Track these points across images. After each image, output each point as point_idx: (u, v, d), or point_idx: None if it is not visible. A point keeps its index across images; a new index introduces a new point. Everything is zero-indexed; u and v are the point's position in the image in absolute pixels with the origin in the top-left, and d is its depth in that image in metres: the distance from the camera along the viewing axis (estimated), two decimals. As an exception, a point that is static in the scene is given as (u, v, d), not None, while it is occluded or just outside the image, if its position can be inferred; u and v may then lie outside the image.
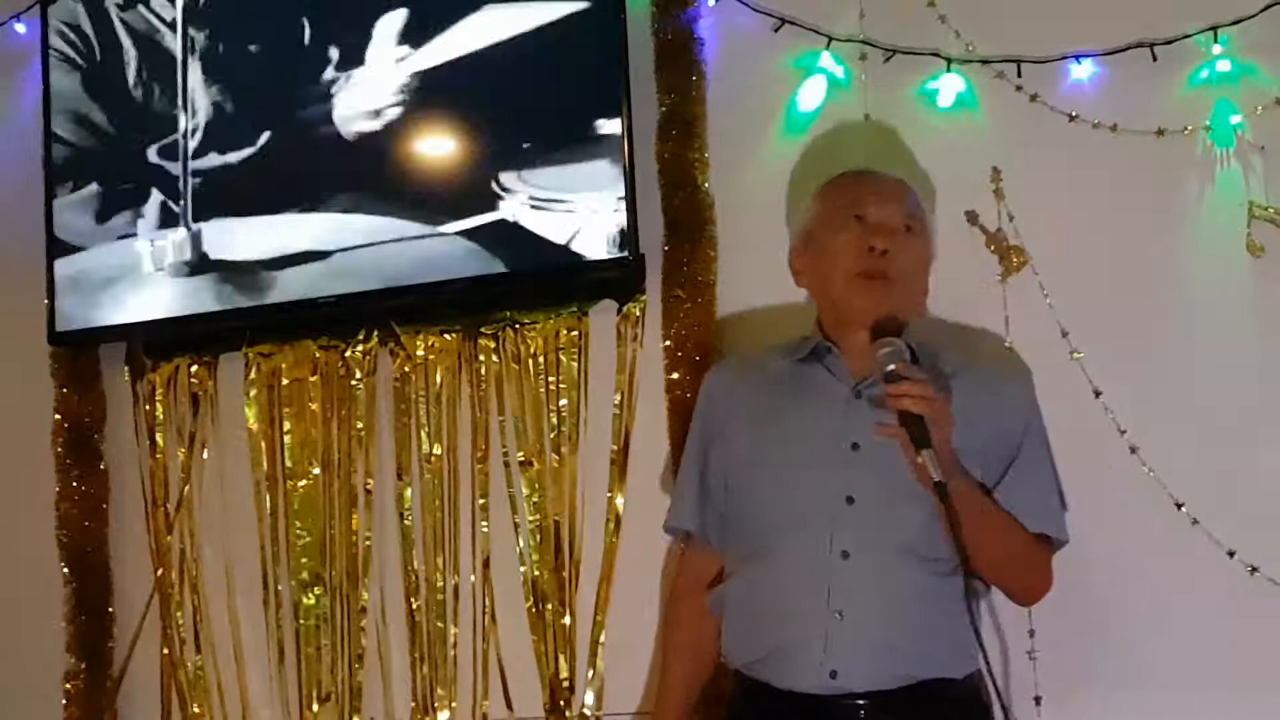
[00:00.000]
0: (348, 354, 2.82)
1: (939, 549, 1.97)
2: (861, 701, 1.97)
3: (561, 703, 2.61)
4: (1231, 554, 2.28)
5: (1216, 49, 2.34)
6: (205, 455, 2.92)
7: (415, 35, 2.70)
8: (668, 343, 2.57)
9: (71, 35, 2.96)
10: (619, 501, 2.61)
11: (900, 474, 1.93)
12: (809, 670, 1.98)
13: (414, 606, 2.72)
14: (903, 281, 2.11)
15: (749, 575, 2.09)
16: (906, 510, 1.97)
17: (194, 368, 2.92)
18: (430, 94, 2.68)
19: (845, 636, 1.97)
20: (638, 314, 2.63)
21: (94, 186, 2.92)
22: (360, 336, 2.80)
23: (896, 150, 2.50)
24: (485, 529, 2.71)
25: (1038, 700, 2.34)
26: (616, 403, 2.63)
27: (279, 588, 2.82)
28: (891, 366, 1.90)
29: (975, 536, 1.91)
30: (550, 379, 2.68)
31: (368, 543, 2.78)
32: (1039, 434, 2.13)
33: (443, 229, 2.64)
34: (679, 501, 2.27)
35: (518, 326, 2.70)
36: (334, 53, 2.76)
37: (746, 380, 2.21)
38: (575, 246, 2.56)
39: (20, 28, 3.10)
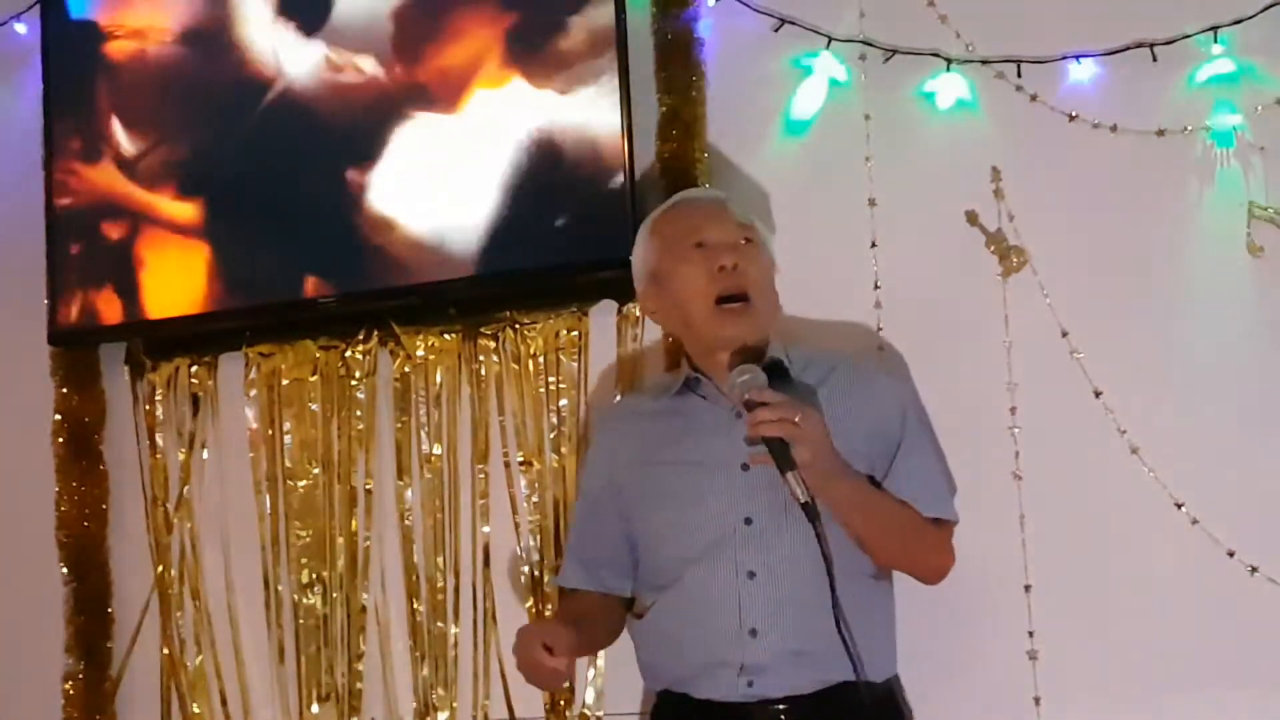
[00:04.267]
0: (348, 354, 2.82)
1: (843, 555, 1.97)
2: (780, 706, 2.00)
3: (561, 703, 2.61)
4: (1231, 554, 2.28)
5: (1216, 49, 2.34)
6: (205, 455, 2.92)
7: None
8: (668, 342, 2.57)
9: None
10: (619, 501, 2.61)
11: None
12: (728, 686, 2.02)
13: (414, 606, 2.72)
14: (761, 296, 2.12)
15: (663, 606, 2.11)
16: (804, 525, 1.95)
17: (194, 368, 2.92)
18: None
19: (759, 654, 2.00)
20: (638, 314, 2.63)
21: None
22: (360, 336, 2.80)
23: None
24: (485, 529, 2.70)
25: (1037, 700, 2.35)
26: (616, 403, 2.63)
27: (279, 588, 2.82)
28: (748, 395, 1.92)
29: (872, 532, 2.01)
30: (550, 379, 2.67)
31: (367, 543, 2.78)
32: (917, 420, 2.16)
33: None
34: (570, 560, 2.28)
35: (518, 326, 2.70)
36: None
37: (626, 429, 2.24)
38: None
39: (20, 28, 3.10)
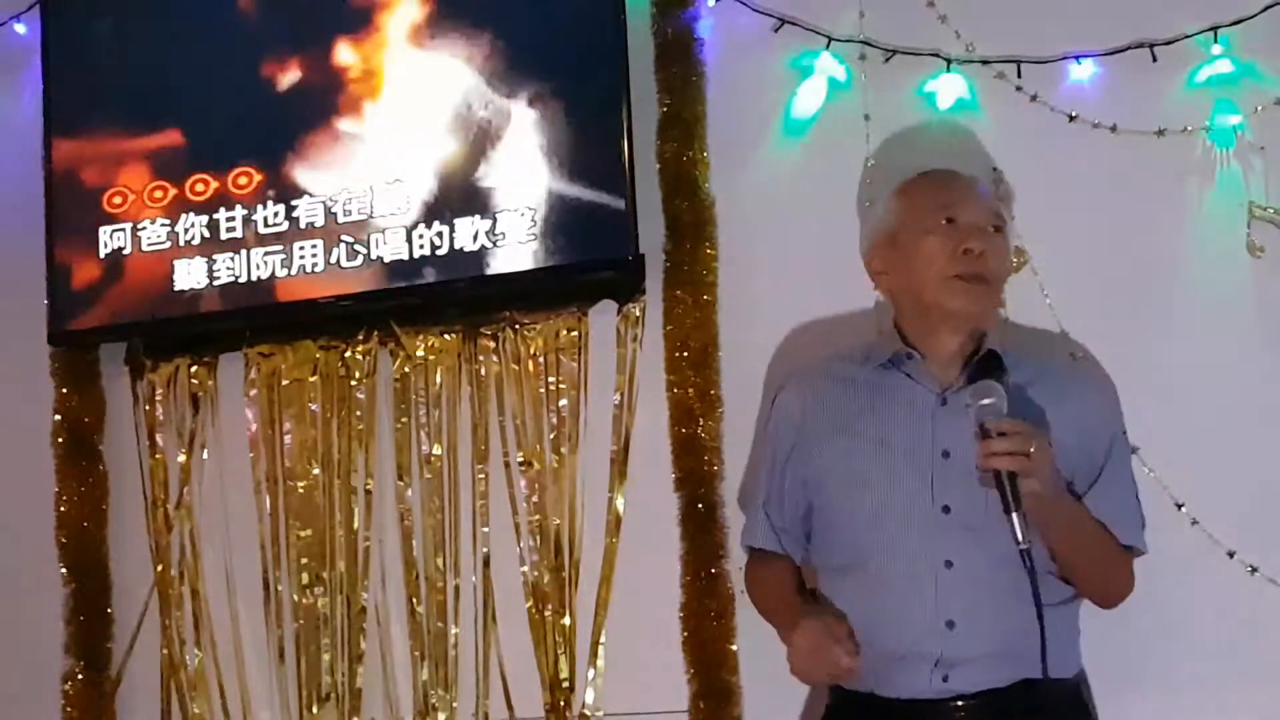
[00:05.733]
0: (348, 354, 2.82)
1: (1040, 550, 1.94)
2: (968, 703, 1.95)
3: (561, 703, 2.61)
4: (1231, 554, 2.29)
5: (1216, 49, 2.34)
6: (205, 455, 2.92)
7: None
8: (668, 343, 2.57)
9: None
10: (619, 501, 2.61)
11: None
12: (921, 680, 1.96)
13: (414, 606, 2.72)
14: (995, 283, 2.08)
15: (847, 589, 2.05)
16: (1001, 516, 1.88)
17: (194, 368, 2.92)
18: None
19: (957, 646, 1.95)
20: (638, 314, 2.63)
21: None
22: (360, 336, 2.80)
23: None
24: (485, 529, 2.70)
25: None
26: (616, 403, 2.63)
27: (279, 588, 2.82)
28: (986, 423, 1.83)
29: (1073, 553, 1.97)
30: (550, 379, 2.67)
31: (367, 543, 2.78)
32: (1123, 444, 2.10)
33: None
34: (760, 518, 2.21)
35: (518, 326, 2.70)
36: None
37: (822, 393, 2.15)
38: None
39: (20, 28, 3.10)
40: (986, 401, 1.85)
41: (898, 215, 2.12)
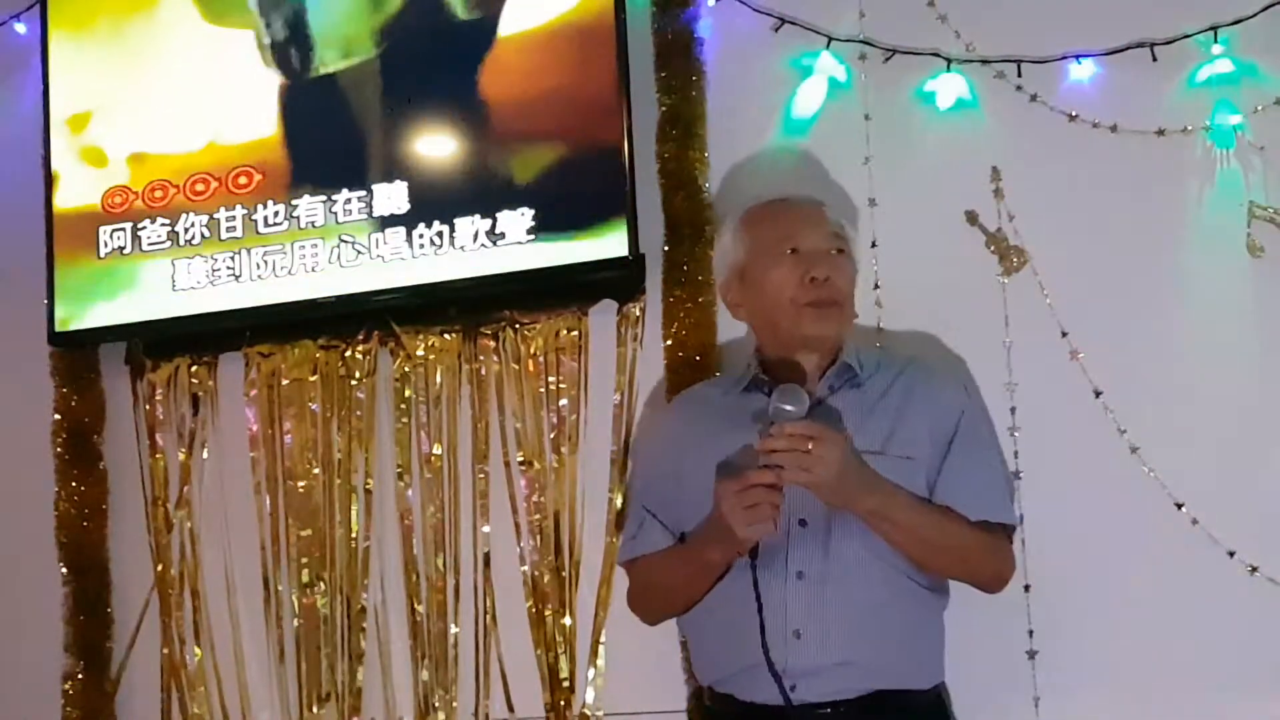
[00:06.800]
0: (348, 354, 2.82)
1: (896, 560, 2.02)
2: (825, 710, 2.00)
3: (561, 702, 2.61)
4: (1231, 554, 2.29)
5: (1216, 49, 2.34)
6: (205, 455, 2.92)
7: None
8: (668, 343, 2.57)
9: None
10: (619, 501, 2.61)
11: None
12: (770, 689, 1.99)
13: (414, 606, 2.72)
14: (845, 303, 2.15)
15: (708, 600, 2.10)
16: (857, 528, 1.99)
17: (194, 368, 2.92)
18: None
19: (803, 656, 1.99)
20: (638, 314, 2.63)
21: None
22: (360, 336, 2.80)
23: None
24: (485, 529, 2.71)
25: (1037, 701, 2.35)
26: (616, 403, 2.63)
27: (279, 588, 2.82)
28: (772, 420, 1.94)
29: (908, 542, 2.00)
30: (550, 379, 2.68)
31: (367, 543, 2.78)
32: (974, 424, 2.14)
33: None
34: (635, 533, 2.24)
35: (518, 326, 2.70)
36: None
37: (690, 418, 2.24)
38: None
39: (20, 28, 3.10)
40: (788, 407, 1.94)
41: (745, 250, 2.19)
